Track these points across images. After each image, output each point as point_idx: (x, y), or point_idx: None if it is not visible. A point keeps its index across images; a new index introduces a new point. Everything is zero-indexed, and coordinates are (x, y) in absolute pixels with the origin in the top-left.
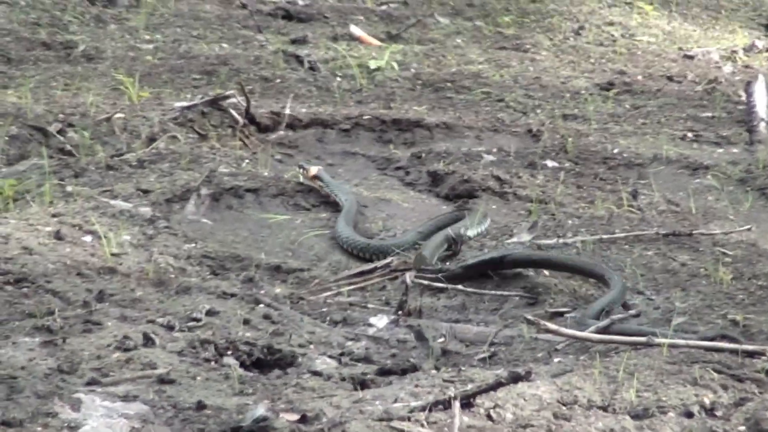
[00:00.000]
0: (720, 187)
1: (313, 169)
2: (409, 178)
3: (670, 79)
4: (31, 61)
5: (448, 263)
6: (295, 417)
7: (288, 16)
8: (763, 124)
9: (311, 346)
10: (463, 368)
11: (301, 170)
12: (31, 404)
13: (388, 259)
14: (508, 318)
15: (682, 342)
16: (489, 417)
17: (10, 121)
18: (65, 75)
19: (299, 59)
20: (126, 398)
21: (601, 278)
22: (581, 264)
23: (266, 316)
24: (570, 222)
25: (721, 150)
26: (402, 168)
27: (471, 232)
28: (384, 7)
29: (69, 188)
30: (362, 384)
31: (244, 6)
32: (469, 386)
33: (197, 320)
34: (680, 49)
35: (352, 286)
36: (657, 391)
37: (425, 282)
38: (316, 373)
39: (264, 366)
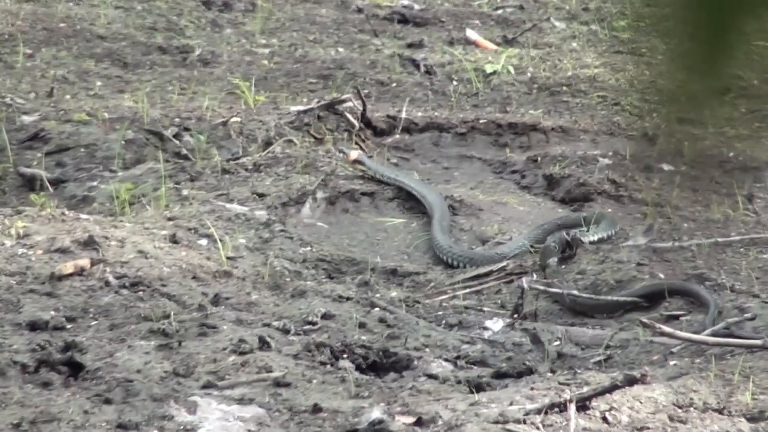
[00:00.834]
0: None
1: (353, 154)
2: (524, 182)
3: None
4: (147, 66)
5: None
6: (411, 420)
7: (404, 21)
8: None
9: (427, 350)
10: (578, 371)
11: (342, 155)
12: (147, 407)
13: (504, 263)
14: (624, 321)
15: None
16: (604, 420)
17: (126, 125)
18: (181, 79)
19: (415, 63)
20: (242, 401)
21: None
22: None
23: (382, 320)
24: (685, 225)
25: None
26: (518, 171)
27: (592, 237)
28: (500, 11)
29: (185, 192)
30: (478, 387)
31: (360, 10)
32: (585, 389)
33: (313, 324)
34: None
35: (467, 290)
36: None
37: (541, 286)
38: (431, 376)
39: (380, 369)
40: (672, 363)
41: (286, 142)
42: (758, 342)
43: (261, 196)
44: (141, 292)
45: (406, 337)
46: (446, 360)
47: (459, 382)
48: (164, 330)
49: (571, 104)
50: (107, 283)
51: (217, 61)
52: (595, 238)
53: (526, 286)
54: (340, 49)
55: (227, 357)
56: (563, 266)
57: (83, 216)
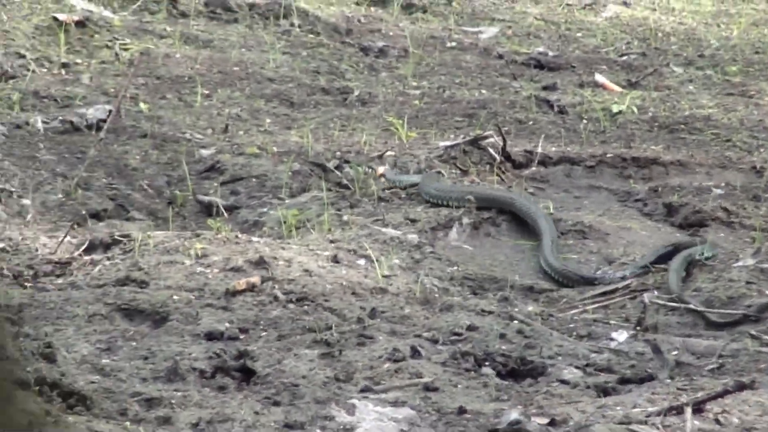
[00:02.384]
0: None
1: (380, 169)
2: (646, 209)
3: None
4: (311, 105)
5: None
6: (545, 421)
7: (539, 66)
8: None
9: (559, 358)
10: (694, 378)
11: (371, 170)
12: (311, 409)
13: (628, 281)
14: (734, 333)
15: None
16: (717, 421)
17: (293, 158)
18: (342, 117)
19: (549, 104)
20: (395, 404)
21: None
22: None
23: (520, 331)
24: None
25: None
26: (640, 200)
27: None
28: (625, 58)
29: (345, 217)
30: (605, 391)
31: (500, 56)
32: (700, 394)
33: (459, 335)
34: None
35: (595, 305)
36: None
37: (661, 301)
38: (563, 382)
39: (518, 375)
40: None
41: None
42: None
43: (413, 221)
44: (306, 307)
45: (541, 346)
46: (577, 367)
47: (588, 387)
48: (327, 340)
49: (687, 140)
50: (276, 299)
51: (373, 101)
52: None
53: (647, 301)
54: (483, 91)
55: (383, 364)
56: (683, 284)
57: (255, 239)
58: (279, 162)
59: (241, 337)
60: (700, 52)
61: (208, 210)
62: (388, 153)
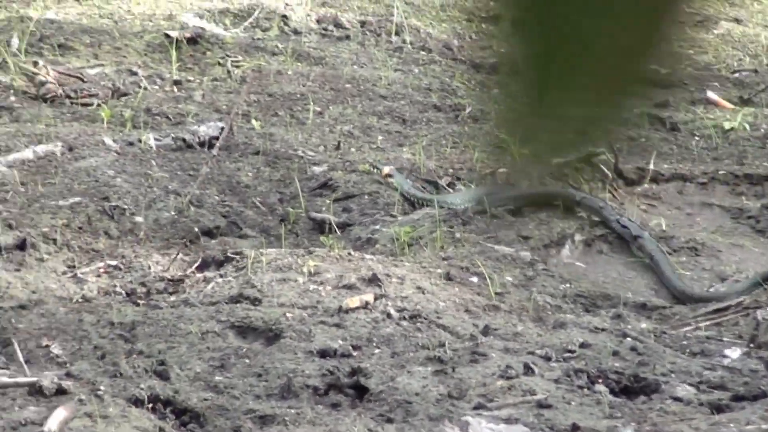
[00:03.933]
0: None
1: (386, 169)
2: (759, 226)
3: None
4: (423, 122)
5: None
6: None
7: (651, 83)
8: None
9: (672, 375)
10: None
11: (376, 170)
12: (425, 426)
13: (741, 298)
14: None
15: None
16: None
17: (405, 174)
18: (454, 134)
19: (662, 121)
20: (508, 421)
21: None
22: None
23: (633, 348)
24: None
25: None
26: (753, 217)
27: None
28: (736, 75)
29: (457, 235)
30: (718, 408)
31: None
32: None
33: (572, 352)
34: None
35: (708, 322)
36: None
37: None
38: (677, 399)
39: (631, 392)
40: None
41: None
42: None
43: (525, 238)
44: (419, 324)
45: (654, 364)
46: (690, 384)
47: (701, 404)
48: (440, 357)
49: None
50: (389, 316)
51: (485, 118)
52: None
53: (761, 318)
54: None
55: (496, 381)
56: None
57: (367, 256)
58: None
59: (355, 354)
60: None
61: (320, 227)
62: (501, 170)
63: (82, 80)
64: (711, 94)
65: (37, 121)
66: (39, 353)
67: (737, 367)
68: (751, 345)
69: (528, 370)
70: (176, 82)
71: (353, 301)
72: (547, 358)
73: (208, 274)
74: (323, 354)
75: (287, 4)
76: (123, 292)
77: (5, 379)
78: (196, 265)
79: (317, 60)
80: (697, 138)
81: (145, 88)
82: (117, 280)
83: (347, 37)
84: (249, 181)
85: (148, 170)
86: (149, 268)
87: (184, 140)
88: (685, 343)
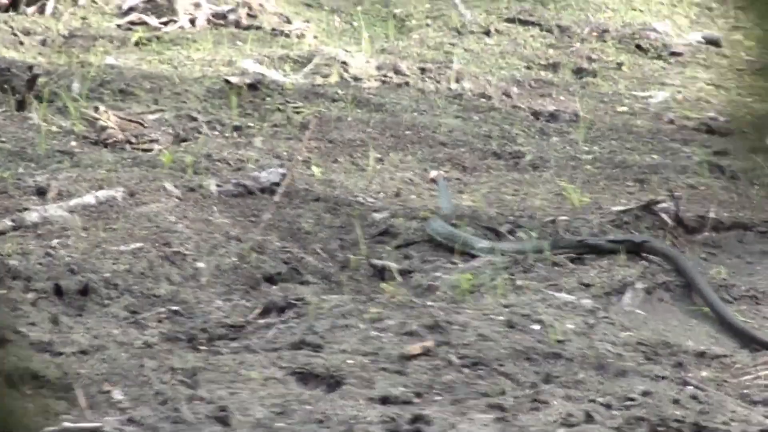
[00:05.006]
0: None
1: (432, 173)
2: None
3: None
4: (483, 169)
5: None
6: None
7: (710, 131)
8: None
9: (734, 424)
10: None
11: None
12: None
13: None
14: None
15: None
16: None
17: (466, 222)
18: (514, 182)
19: (721, 169)
20: None
21: None
22: None
23: (693, 397)
24: None
25: None
26: None
27: None
28: None
29: (519, 282)
30: None
31: (671, 121)
32: None
33: (632, 400)
34: None
35: None
36: None
37: None
38: None
39: None
40: None
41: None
42: None
43: (587, 285)
44: (480, 371)
45: (716, 412)
46: None
47: None
48: (501, 404)
49: None
50: (450, 363)
51: (545, 166)
52: None
53: None
54: (654, 156)
55: (557, 429)
56: None
57: (429, 303)
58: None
59: (416, 401)
60: None
61: (381, 274)
62: (561, 218)
63: (143, 126)
64: None
65: (98, 167)
66: (100, 399)
67: None
68: None
69: (589, 418)
70: (236, 128)
71: (414, 348)
72: (608, 406)
73: (270, 320)
74: (384, 401)
75: (347, 51)
76: (184, 337)
77: (67, 425)
78: (257, 311)
79: (377, 106)
80: (757, 186)
81: (206, 134)
82: (178, 326)
83: (407, 84)
84: (310, 228)
85: (209, 216)
86: (211, 313)
87: (245, 186)
88: (746, 391)
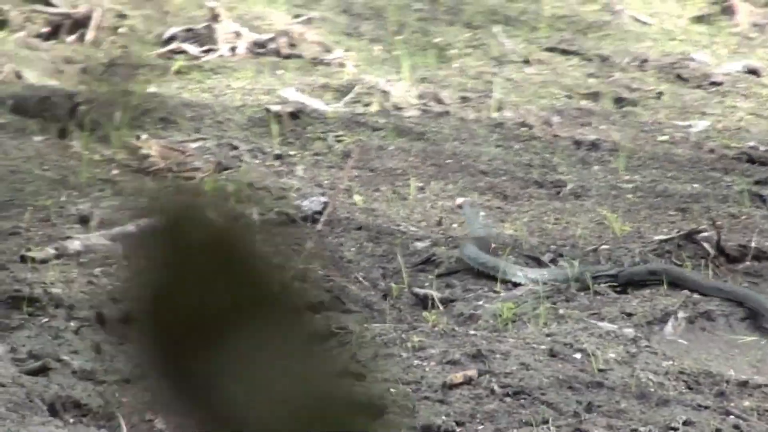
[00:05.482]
0: None
1: (459, 200)
2: None
3: None
4: (525, 198)
5: None
6: None
7: (751, 160)
8: None
9: None
10: None
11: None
12: None
13: None
14: None
15: None
16: None
17: (508, 251)
18: (555, 210)
19: (762, 198)
20: None
21: None
22: None
23: (736, 426)
24: None
25: None
26: None
27: None
28: None
29: (561, 311)
30: None
31: (712, 151)
32: None
33: (675, 429)
34: None
35: None
36: None
37: None
38: None
39: None
40: None
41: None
42: None
43: (629, 315)
44: (522, 400)
45: None
46: None
47: None
48: None
49: None
50: (492, 392)
51: (586, 195)
52: None
53: None
54: (695, 185)
55: None
56: None
57: (471, 331)
58: (493, 255)
59: (458, 430)
60: None
61: (423, 303)
62: (603, 247)
63: (185, 154)
64: None
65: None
66: (143, 428)
67: None
68: None
69: None
70: (278, 157)
71: (457, 377)
72: None
73: None
74: (427, 430)
75: (388, 80)
76: None
77: None
78: None
79: (418, 135)
80: None
81: (247, 162)
82: None
83: (447, 113)
84: (352, 256)
85: None
86: None
87: (287, 215)
88: None
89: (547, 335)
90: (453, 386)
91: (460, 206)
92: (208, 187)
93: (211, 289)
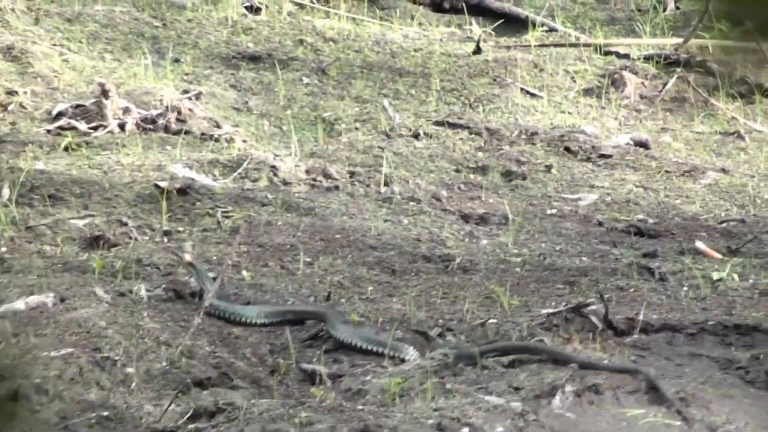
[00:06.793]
0: None
1: (187, 257)
2: (749, 377)
3: None
4: (413, 273)
5: None
6: None
7: (639, 233)
8: None
9: None
10: None
11: (176, 257)
12: None
13: None
14: None
15: None
16: None
17: (395, 326)
18: (443, 285)
19: (650, 271)
20: None
21: None
22: None
23: None
24: None
25: None
26: (742, 368)
27: None
28: (724, 225)
29: (448, 386)
30: None
31: (600, 224)
32: None
33: None
34: None
35: None
36: None
37: None
38: None
39: None
40: None
41: (537, 342)
42: None
43: (516, 389)
44: None
45: None
46: None
47: None
48: None
49: None
50: None
51: (475, 269)
52: None
53: None
54: (584, 258)
55: None
56: None
57: (359, 407)
58: (381, 331)
59: None
60: None
61: (311, 378)
62: (491, 321)
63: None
64: (699, 245)
65: (29, 272)
66: None
67: None
68: None
69: None
70: (166, 233)
71: None
72: None
73: (200, 425)
74: None
75: (276, 155)
76: None
77: None
78: (187, 416)
79: (307, 211)
80: (685, 288)
81: (135, 239)
82: None
83: (336, 188)
84: (239, 332)
85: (139, 321)
86: (141, 419)
87: (175, 291)
88: None
89: (435, 410)
90: None
91: (191, 264)
92: (97, 265)
93: None
